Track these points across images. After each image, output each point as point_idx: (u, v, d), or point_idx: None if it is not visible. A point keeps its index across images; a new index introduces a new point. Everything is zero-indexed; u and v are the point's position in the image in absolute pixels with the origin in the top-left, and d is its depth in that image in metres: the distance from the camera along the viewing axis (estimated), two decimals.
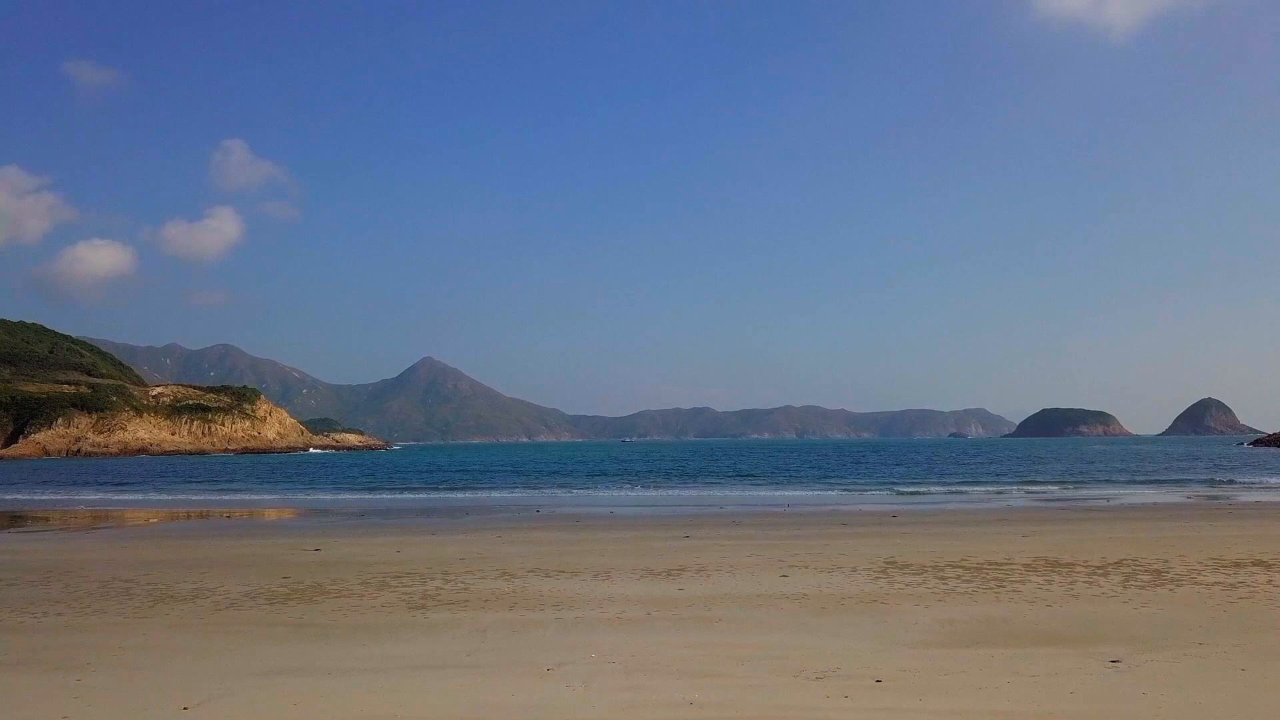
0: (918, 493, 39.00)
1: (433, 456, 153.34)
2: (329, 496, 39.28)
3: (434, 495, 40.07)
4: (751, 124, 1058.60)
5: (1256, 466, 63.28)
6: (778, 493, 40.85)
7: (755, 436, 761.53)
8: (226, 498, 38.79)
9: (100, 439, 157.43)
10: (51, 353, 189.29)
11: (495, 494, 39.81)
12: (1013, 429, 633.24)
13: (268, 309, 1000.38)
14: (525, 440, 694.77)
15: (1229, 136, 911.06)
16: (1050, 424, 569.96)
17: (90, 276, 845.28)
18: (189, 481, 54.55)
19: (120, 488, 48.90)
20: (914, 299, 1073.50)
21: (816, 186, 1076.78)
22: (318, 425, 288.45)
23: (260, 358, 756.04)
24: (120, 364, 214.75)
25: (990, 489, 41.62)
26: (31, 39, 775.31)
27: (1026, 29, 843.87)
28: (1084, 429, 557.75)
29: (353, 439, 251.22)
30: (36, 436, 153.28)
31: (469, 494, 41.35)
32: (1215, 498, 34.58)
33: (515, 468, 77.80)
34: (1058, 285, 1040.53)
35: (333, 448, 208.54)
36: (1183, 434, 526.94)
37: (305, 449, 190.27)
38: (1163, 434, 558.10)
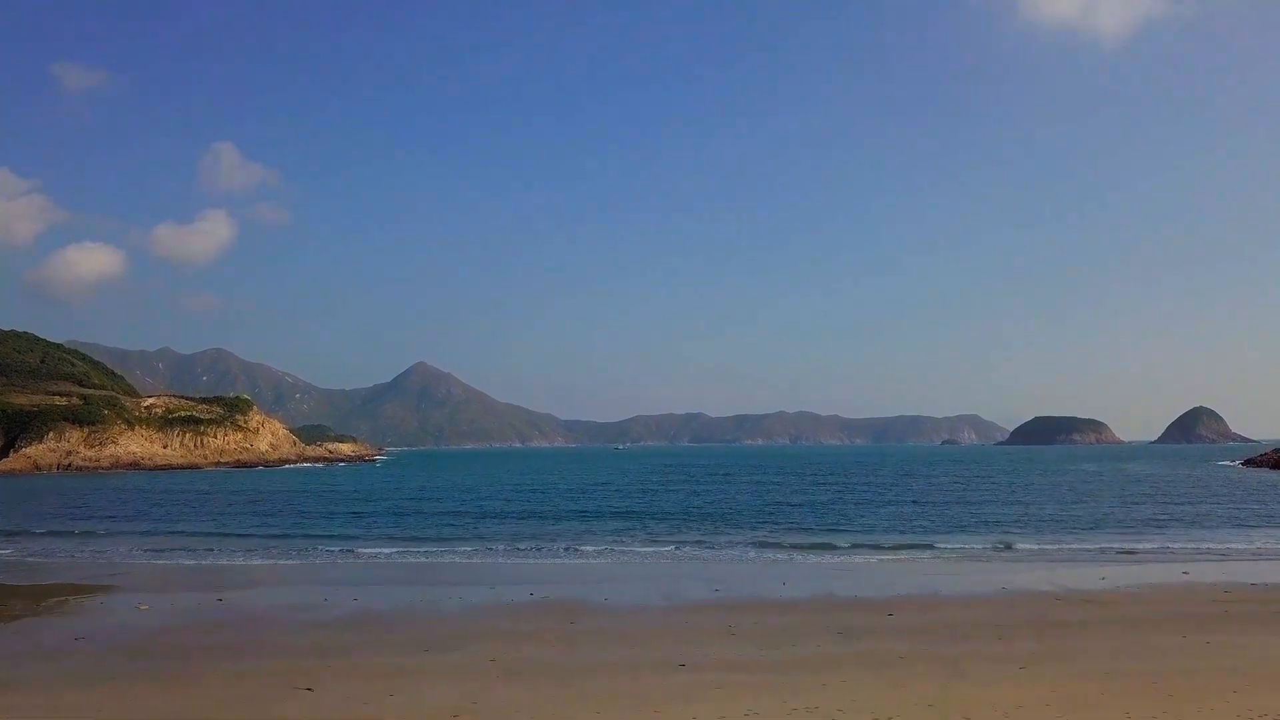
0: (910, 559, 38.96)
1: (420, 472, 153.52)
2: (316, 561, 39.02)
3: (422, 560, 39.93)
4: (745, 127, 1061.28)
5: (1249, 507, 63.27)
6: (770, 553, 41.05)
7: (749, 443, 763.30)
8: (208, 563, 38.43)
9: (91, 453, 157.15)
10: (43, 362, 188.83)
11: (483, 560, 39.56)
12: (1006, 436, 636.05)
13: (260, 313, 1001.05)
14: (518, 445, 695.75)
15: (1222, 143, 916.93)
16: (1043, 431, 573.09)
17: (81, 280, 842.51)
18: (173, 530, 54.08)
19: (104, 540, 48.49)
20: (908, 304, 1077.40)
21: (811, 190, 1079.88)
22: (310, 432, 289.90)
23: (253, 362, 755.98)
24: (112, 373, 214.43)
25: (986, 549, 41.75)
26: (19, 41, 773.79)
27: (1015, 35, 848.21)
28: (1076, 437, 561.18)
29: (345, 449, 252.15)
30: (27, 450, 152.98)
31: (457, 554, 41.27)
32: (1211, 561, 34.78)
33: (506, 501, 77.73)
34: (1051, 291, 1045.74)
35: (325, 459, 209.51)
36: (1175, 442, 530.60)
37: (297, 460, 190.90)
38: (1155, 442, 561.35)
